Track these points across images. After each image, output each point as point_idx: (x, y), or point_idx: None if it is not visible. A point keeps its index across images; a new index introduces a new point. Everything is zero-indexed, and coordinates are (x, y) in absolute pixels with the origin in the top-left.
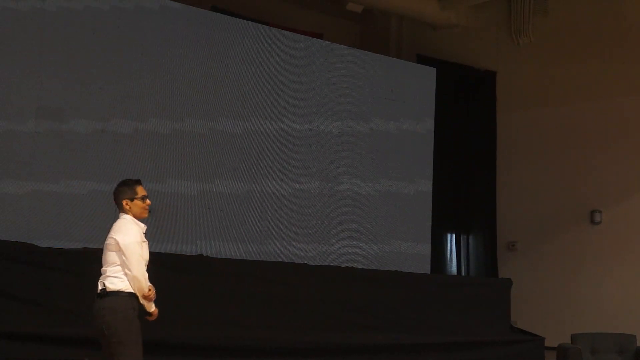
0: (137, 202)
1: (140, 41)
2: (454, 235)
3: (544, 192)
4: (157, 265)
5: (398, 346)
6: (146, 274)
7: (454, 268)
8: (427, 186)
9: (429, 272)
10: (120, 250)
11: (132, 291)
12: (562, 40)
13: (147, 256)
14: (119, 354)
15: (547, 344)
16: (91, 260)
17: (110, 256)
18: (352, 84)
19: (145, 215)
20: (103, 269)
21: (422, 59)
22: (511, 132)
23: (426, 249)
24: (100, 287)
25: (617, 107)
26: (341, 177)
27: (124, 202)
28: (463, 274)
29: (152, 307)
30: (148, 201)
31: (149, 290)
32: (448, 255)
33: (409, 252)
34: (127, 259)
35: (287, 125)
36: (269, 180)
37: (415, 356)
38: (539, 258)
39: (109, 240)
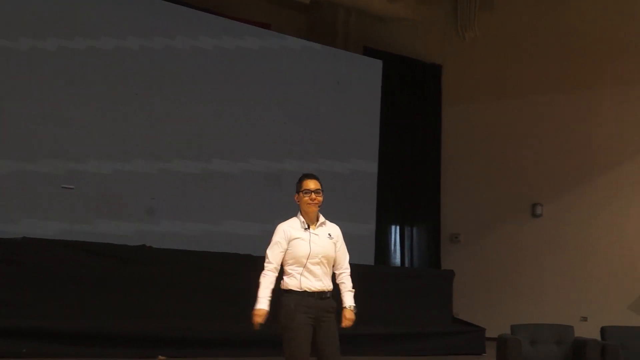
0: (301, 196)
1: (85, 27)
2: (398, 227)
3: (487, 186)
4: (100, 256)
5: (343, 337)
6: (294, 271)
7: (397, 260)
8: (372, 178)
9: (372, 264)
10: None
11: (294, 288)
12: (507, 35)
13: (302, 252)
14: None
15: (487, 334)
16: (30, 250)
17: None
18: (299, 75)
19: (312, 209)
20: None
21: (369, 51)
22: (456, 125)
23: (370, 230)
24: None
25: (560, 103)
26: (285, 163)
27: (295, 197)
28: (407, 265)
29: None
30: (313, 195)
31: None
32: (392, 247)
33: (354, 235)
34: None
35: (232, 112)
36: (215, 161)
37: (358, 347)
38: (482, 250)
39: None
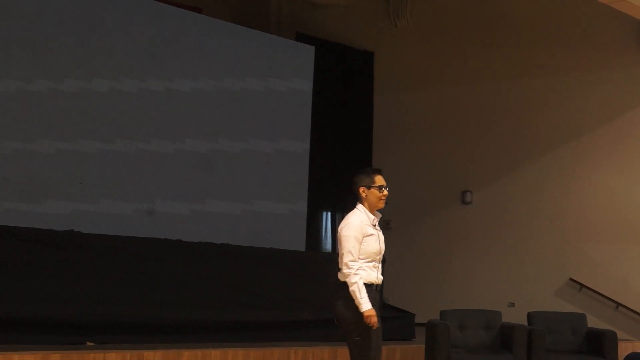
0: (374, 191)
1: (12, 9)
2: (329, 214)
3: (418, 173)
4: (27, 241)
5: (273, 323)
6: (362, 267)
7: (329, 246)
8: (303, 161)
9: (304, 250)
10: None
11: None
12: (439, 24)
13: (375, 249)
14: (348, 341)
15: (417, 320)
16: None
17: (339, 248)
18: (231, 60)
19: (381, 205)
20: (339, 259)
21: (302, 37)
22: (387, 113)
23: (302, 213)
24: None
25: (491, 91)
26: (217, 144)
27: (361, 190)
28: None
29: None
30: (385, 191)
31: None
32: (323, 233)
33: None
34: (340, 249)
35: (164, 94)
36: (146, 140)
37: (290, 333)
38: (412, 237)
39: (338, 232)
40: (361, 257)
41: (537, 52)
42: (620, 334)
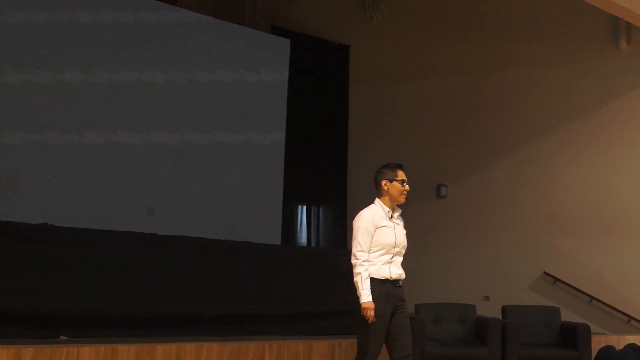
0: (396, 184)
1: None
2: (304, 207)
3: None
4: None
5: (248, 317)
6: (374, 262)
7: (304, 239)
8: (279, 154)
9: (279, 243)
10: None
11: (376, 276)
12: (415, 18)
13: (389, 240)
14: (357, 334)
15: None
16: None
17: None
18: (205, 53)
19: (402, 200)
20: None
21: (277, 30)
22: (363, 106)
23: (277, 207)
24: None
25: (466, 85)
26: (191, 146)
27: (383, 183)
28: (313, 245)
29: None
30: (407, 186)
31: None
32: (298, 227)
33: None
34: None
35: (136, 86)
36: (117, 133)
37: (265, 326)
38: None
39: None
40: (374, 248)
41: (512, 46)
42: (593, 328)
